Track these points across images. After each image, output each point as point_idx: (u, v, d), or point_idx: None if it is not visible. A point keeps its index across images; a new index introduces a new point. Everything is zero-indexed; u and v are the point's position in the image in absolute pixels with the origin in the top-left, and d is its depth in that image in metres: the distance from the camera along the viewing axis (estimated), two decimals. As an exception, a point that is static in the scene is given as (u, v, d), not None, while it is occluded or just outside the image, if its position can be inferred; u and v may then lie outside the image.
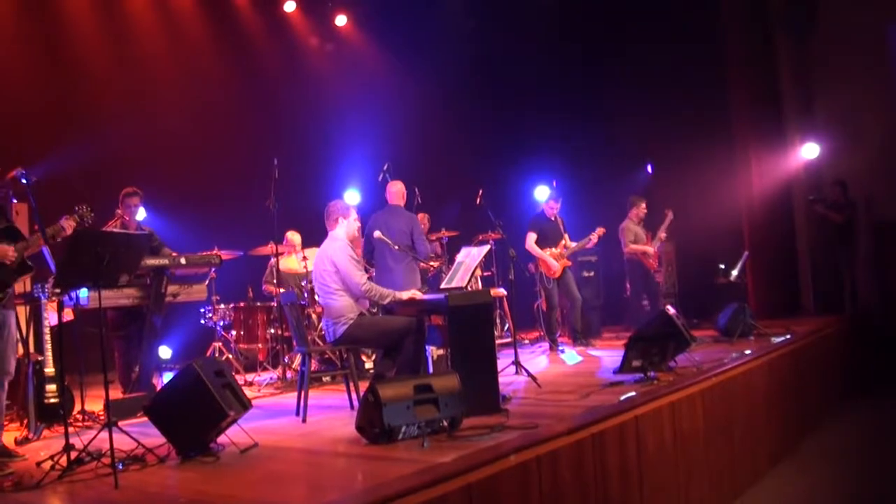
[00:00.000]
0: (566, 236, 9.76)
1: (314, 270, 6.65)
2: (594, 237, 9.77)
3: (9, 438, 5.26)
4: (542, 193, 12.39)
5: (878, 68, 11.78)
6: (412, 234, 7.97)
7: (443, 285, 6.75)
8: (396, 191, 8.25)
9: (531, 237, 9.64)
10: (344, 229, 6.58)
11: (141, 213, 7.61)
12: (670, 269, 11.64)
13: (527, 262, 10.60)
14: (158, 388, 6.85)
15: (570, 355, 9.08)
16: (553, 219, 9.80)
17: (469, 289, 6.43)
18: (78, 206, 5.25)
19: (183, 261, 7.13)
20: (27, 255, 5.04)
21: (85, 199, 5.38)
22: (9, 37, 9.36)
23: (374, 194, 10.38)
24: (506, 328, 10.58)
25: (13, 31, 9.41)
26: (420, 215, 9.18)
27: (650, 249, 10.30)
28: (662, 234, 10.49)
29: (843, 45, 12.07)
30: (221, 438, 4.99)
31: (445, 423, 4.91)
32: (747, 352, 7.65)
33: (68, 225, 5.15)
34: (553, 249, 9.62)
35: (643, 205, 10.61)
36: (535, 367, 7.76)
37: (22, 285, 5.71)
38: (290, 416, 6.13)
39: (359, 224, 6.78)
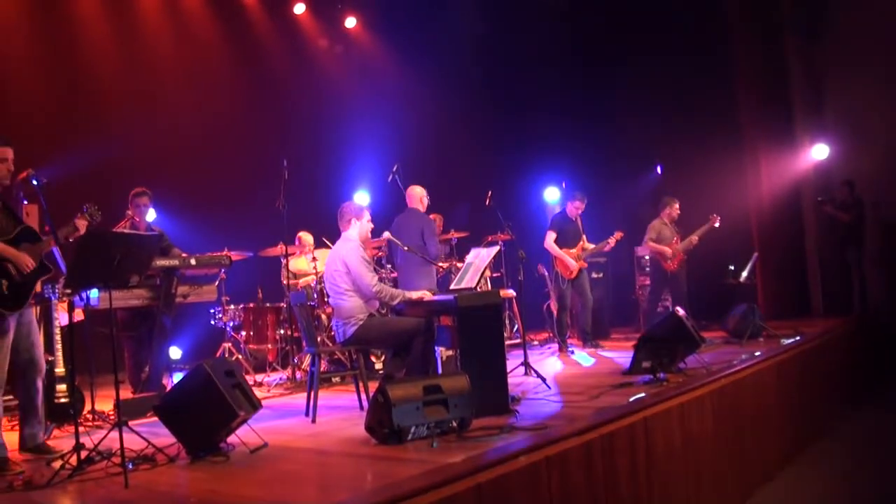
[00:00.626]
0: (584, 237, 9.74)
1: (326, 271, 6.67)
2: (612, 241, 9.71)
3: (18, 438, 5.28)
4: (551, 195, 12.41)
5: (886, 68, 11.75)
6: (423, 235, 8.00)
7: (452, 286, 6.75)
8: (414, 194, 8.36)
9: (551, 236, 9.62)
10: (357, 230, 6.61)
11: (151, 214, 7.64)
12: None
13: (536, 263, 10.60)
14: (168, 388, 6.88)
15: (580, 356, 9.07)
16: (574, 219, 9.78)
17: (478, 290, 6.43)
18: (86, 204, 5.27)
19: (193, 261, 7.13)
20: None
21: (94, 199, 5.39)
22: (18, 37, 9.40)
23: (383, 195, 10.41)
24: (515, 329, 10.57)
25: (23, 32, 9.44)
26: (432, 216, 9.21)
27: (667, 251, 10.16)
28: (695, 238, 10.19)
29: (852, 45, 12.05)
30: (231, 438, 5.00)
31: (455, 424, 4.92)
32: (757, 353, 7.63)
33: (81, 224, 5.18)
34: (571, 250, 9.60)
35: (676, 205, 10.42)
36: (544, 368, 7.77)
37: (33, 286, 5.73)
38: (299, 417, 6.14)
39: (371, 225, 6.79)
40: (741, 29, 12.22)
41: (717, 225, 10.20)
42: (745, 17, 12.18)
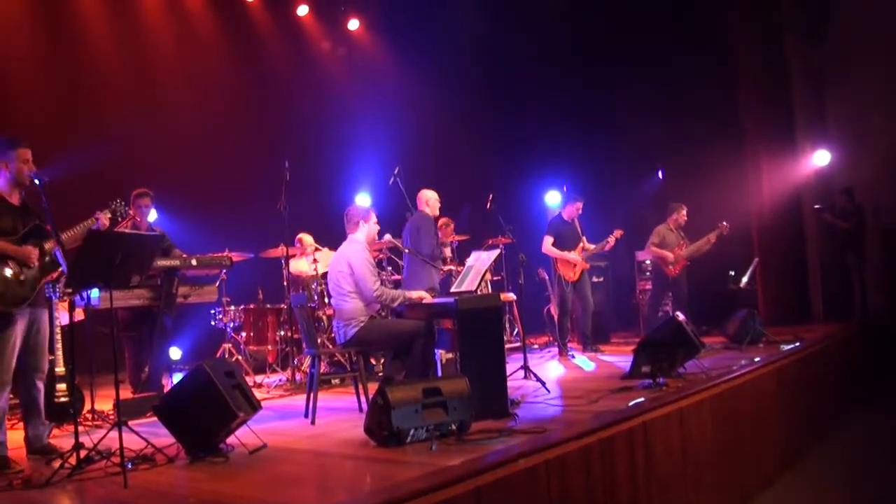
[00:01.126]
0: (584, 239, 9.71)
1: (330, 271, 6.68)
2: (612, 239, 9.65)
3: (19, 436, 5.28)
4: (552, 198, 12.40)
5: (886, 68, 11.76)
6: (418, 234, 8.03)
7: (453, 289, 6.75)
8: (422, 198, 8.43)
9: (548, 240, 9.57)
10: (364, 233, 6.63)
11: (153, 215, 7.65)
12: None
13: (537, 266, 10.58)
14: (168, 388, 6.88)
15: (580, 360, 9.06)
16: (571, 222, 9.75)
17: (479, 293, 6.43)
18: (111, 200, 5.34)
19: (194, 262, 7.14)
20: None
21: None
22: (19, 37, 9.40)
23: (385, 198, 10.40)
24: (515, 333, 10.57)
25: (24, 32, 9.45)
26: (443, 220, 9.23)
27: (669, 256, 10.11)
28: (713, 238, 10.10)
29: (852, 45, 12.06)
30: (230, 439, 5.00)
31: (454, 427, 4.91)
32: (756, 359, 7.63)
33: (104, 218, 5.24)
34: (572, 252, 9.56)
35: (684, 211, 10.32)
36: (544, 371, 7.77)
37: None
38: (299, 418, 6.15)
39: (378, 227, 6.81)
40: (741, 29, 12.21)
41: (725, 233, 10.14)
42: (745, 17, 12.16)
